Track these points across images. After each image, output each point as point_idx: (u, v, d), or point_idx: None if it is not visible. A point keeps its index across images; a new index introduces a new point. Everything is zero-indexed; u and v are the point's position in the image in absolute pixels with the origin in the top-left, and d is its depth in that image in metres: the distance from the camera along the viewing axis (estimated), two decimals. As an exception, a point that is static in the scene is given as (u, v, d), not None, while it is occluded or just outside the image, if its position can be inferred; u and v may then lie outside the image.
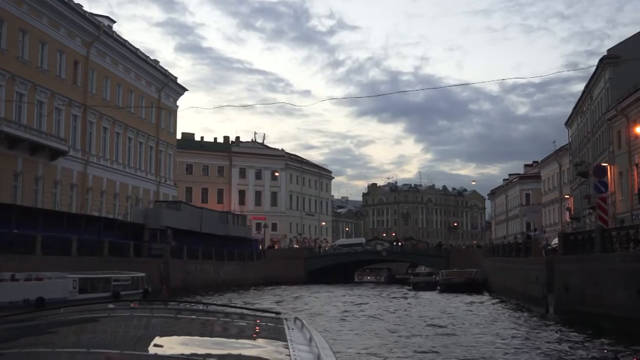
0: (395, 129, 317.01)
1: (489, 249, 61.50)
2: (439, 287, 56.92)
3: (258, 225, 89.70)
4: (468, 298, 44.85)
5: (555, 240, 39.12)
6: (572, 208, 73.92)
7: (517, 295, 37.70)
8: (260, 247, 78.17)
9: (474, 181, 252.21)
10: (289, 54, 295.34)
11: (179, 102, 73.70)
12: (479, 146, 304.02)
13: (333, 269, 75.92)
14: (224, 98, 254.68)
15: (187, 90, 74.46)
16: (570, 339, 22.41)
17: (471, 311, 35.20)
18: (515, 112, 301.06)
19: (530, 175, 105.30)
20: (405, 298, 48.17)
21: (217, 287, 51.66)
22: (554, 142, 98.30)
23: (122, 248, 42.08)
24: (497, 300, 42.37)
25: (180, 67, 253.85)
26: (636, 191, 48.38)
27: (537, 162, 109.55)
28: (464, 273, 55.89)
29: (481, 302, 41.91)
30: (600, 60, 56.31)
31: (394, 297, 48.76)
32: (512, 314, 32.79)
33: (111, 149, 57.26)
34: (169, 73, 70.24)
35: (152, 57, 67.26)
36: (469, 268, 58.33)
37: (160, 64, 68.79)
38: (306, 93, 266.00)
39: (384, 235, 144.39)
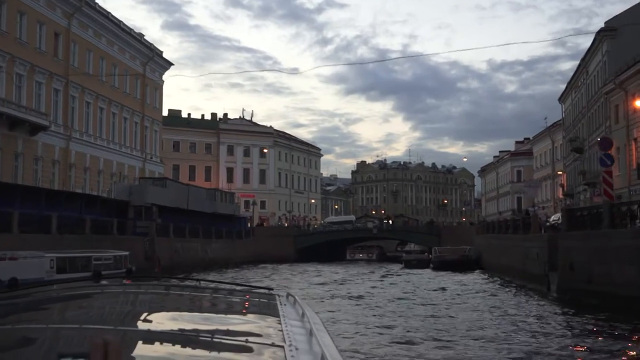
0: (383, 107, 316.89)
1: (482, 226, 60.30)
2: (431, 265, 55.79)
3: (246, 203, 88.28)
4: (463, 276, 43.74)
5: (554, 217, 37.89)
6: (565, 184, 72.80)
7: (514, 273, 36.43)
8: (249, 225, 76.87)
9: (465, 158, 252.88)
10: (277, 32, 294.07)
11: (164, 77, 72.00)
12: (467, 124, 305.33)
13: (323, 247, 75.18)
14: (211, 76, 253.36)
15: (172, 64, 72.66)
16: (577, 319, 21.17)
17: (469, 290, 33.98)
18: (504, 91, 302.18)
19: (521, 152, 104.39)
20: (400, 276, 46.99)
21: (204, 266, 50.23)
22: (545, 118, 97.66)
23: (105, 226, 40.41)
24: (493, 278, 41.04)
25: (168, 45, 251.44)
26: (634, 166, 47.22)
27: (528, 138, 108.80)
28: (458, 250, 54.65)
29: (477, 280, 40.73)
30: (598, 33, 54.86)
31: (384, 278, 47.55)
32: (511, 292, 31.49)
33: (94, 124, 55.49)
34: (154, 47, 68.35)
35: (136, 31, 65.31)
36: (461, 245, 57.25)
37: (145, 37, 66.89)
38: (294, 71, 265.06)
39: (374, 212, 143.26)
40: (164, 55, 70.72)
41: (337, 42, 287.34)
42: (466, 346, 16.97)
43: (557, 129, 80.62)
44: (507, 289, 32.94)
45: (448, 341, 17.77)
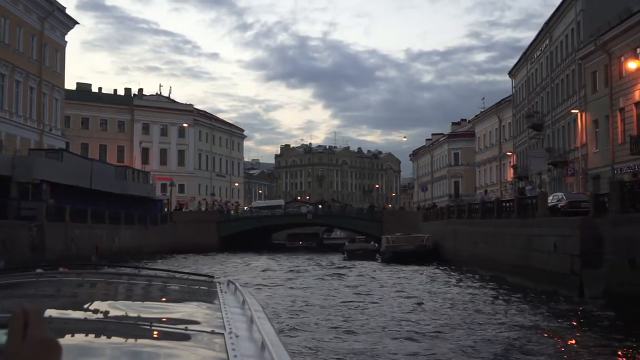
0: (303, 94, 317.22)
1: (435, 211, 52.90)
2: (379, 256, 48.04)
3: (163, 186, 78.93)
4: (432, 270, 36.03)
5: (551, 197, 30.26)
6: (517, 165, 66.34)
7: (506, 269, 28.69)
8: (166, 210, 67.63)
9: (405, 137, 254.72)
10: (197, 16, 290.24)
11: (67, 38, 61.90)
12: (385, 113, 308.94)
13: (249, 234, 67.72)
14: (128, 59, 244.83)
15: (77, 23, 62.55)
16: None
17: (451, 292, 26.23)
18: (421, 80, 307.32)
19: (459, 133, 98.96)
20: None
21: (111, 257, 41.05)
22: (483, 98, 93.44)
23: (-25, 207, 30.88)
24: (474, 276, 32.62)
25: (82, 26, 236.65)
26: (620, 141, 40.61)
27: (464, 119, 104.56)
28: (414, 239, 46.68)
29: (459, 278, 32.88)
30: (570, -11, 48.02)
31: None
32: (519, 298, 22.99)
33: (-24, 86, 45.56)
34: (55, 0, 58.15)
35: None
36: (406, 232, 49.71)
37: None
38: (214, 56, 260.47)
39: (299, 198, 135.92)
40: (79, 41, 60.62)
41: (257, 27, 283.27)
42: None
43: (506, 106, 74.42)
44: (507, 294, 24.44)
45: None
